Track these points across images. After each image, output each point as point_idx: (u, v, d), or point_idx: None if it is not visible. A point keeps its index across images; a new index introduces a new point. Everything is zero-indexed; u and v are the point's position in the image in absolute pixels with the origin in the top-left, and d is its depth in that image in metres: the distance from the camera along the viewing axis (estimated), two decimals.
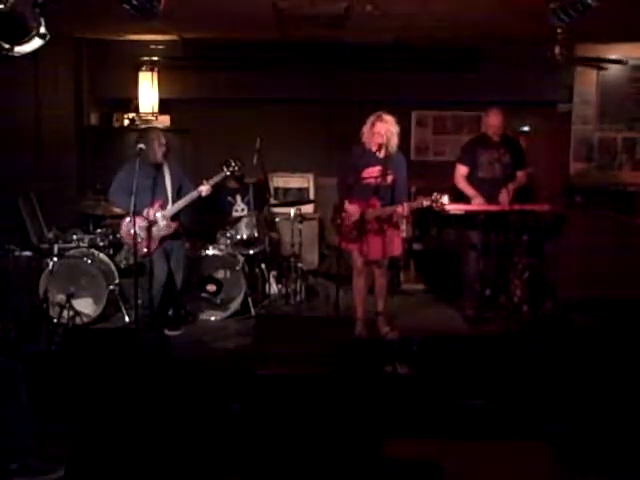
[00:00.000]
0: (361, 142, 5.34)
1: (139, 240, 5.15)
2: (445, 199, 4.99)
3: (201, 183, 5.45)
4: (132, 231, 5.01)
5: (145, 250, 5.27)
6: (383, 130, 5.20)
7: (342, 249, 5.39)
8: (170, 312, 5.79)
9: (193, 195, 5.44)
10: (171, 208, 5.47)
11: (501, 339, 5.27)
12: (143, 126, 7.63)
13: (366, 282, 5.50)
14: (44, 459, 3.31)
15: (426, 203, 5.04)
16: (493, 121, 5.82)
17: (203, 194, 5.43)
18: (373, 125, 5.24)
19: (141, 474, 3.36)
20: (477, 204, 5.76)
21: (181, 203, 5.47)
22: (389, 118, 5.24)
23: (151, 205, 5.41)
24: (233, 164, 5.52)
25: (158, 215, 5.42)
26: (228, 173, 5.55)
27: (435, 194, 5.00)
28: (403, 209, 5.16)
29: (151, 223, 5.32)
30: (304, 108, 7.75)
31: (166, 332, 5.40)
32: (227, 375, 4.50)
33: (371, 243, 5.30)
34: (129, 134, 7.70)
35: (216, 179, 5.52)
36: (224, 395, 4.14)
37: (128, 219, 5.31)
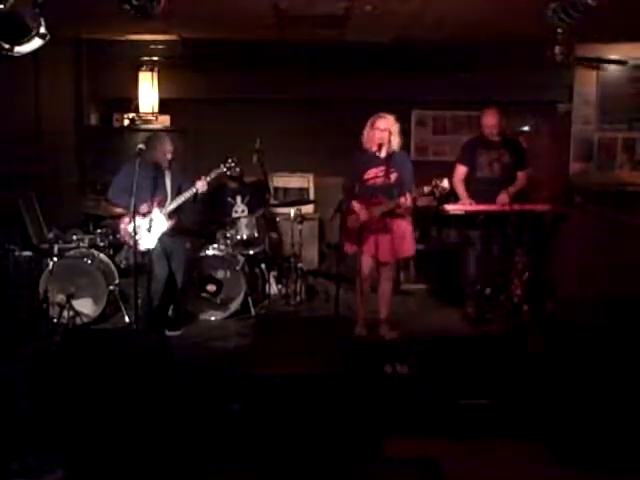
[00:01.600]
0: (362, 146, 5.30)
1: (137, 238, 5.14)
2: (445, 183, 4.96)
3: (198, 179, 5.46)
4: (132, 230, 5.01)
5: (143, 248, 5.26)
6: (383, 126, 5.19)
7: (349, 253, 5.37)
8: (170, 312, 5.79)
9: (191, 191, 5.42)
10: (170, 204, 5.46)
11: (501, 339, 5.28)
12: (143, 126, 7.65)
13: (370, 285, 5.49)
14: (44, 459, 3.31)
15: (427, 189, 5.02)
16: (489, 121, 5.80)
17: (199, 190, 5.42)
18: (373, 124, 5.23)
19: (141, 474, 3.36)
20: (471, 204, 5.76)
21: (179, 199, 5.45)
22: (389, 116, 5.23)
23: (150, 202, 5.41)
24: (230, 161, 5.54)
25: (156, 211, 5.42)
26: (225, 169, 5.56)
27: (434, 180, 4.98)
28: (406, 199, 5.10)
29: (147, 217, 5.32)
30: (304, 108, 7.75)
31: (166, 332, 5.39)
32: (227, 375, 4.50)
33: (380, 244, 5.22)
34: (129, 134, 7.70)
35: (212, 175, 5.50)
36: (224, 395, 4.14)
37: (127, 219, 5.32)
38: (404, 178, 5.26)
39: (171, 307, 5.79)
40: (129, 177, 5.10)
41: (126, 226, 5.40)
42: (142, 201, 5.31)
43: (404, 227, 5.32)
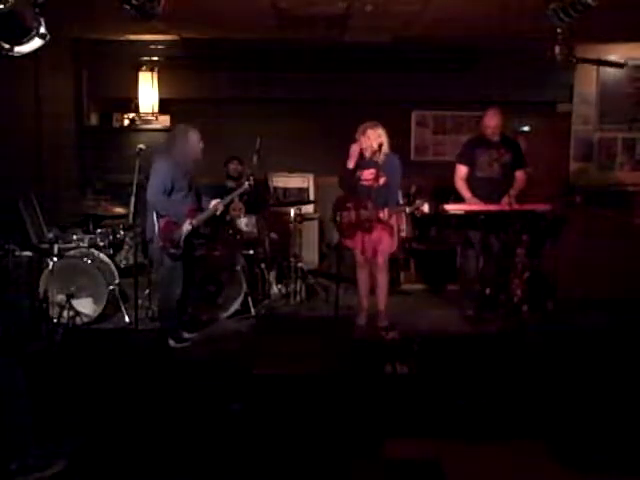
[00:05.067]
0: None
1: (168, 239, 5.02)
2: (425, 207, 5.17)
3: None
4: (175, 234, 5.00)
5: (173, 251, 5.06)
6: (367, 143, 5.36)
7: (343, 245, 5.64)
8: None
9: (209, 212, 5.27)
10: (199, 217, 5.22)
11: (501, 339, 5.28)
12: (144, 126, 7.66)
13: (369, 275, 5.63)
14: (43, 458, 3.31)
15: (409, 210, 5.32)
16: (491, 122, 5.80)
17: (218, 212, 5.34)
18: (360, 137, 5.40)
19: (141, 474, 3.36)
20: (475, 204, 5.76)
21: (203, 217, 5.26)
22: (370, 132, 5.36)
23: (191, 209, 5.17)
24: (251, 180, 5.45)
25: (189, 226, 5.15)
26: (247, 187, 5.45)
27: (418, 202, 5.24)
28: (384, 214, 5.32)
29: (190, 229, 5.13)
30: (304, 108, 7.75)
31: (173, 344, 5.23)
32: (227, 375, 4.50)
33: (365, 242, 5.48)
34: (129, 134, 7.71)
35: (230, 197, 5.48)
36: (224, 395, 4.14)
37: (168, 221, 5.05)
38: (390, 184, 5.43)
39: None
40: (164, 177, 4.96)
41: (166, 227, 5.03)
42: (183, 204, 5.10)
43: (384, 230, 5.46)
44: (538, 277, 5.90)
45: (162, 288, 5.26)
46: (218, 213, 5.35)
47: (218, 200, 5.32)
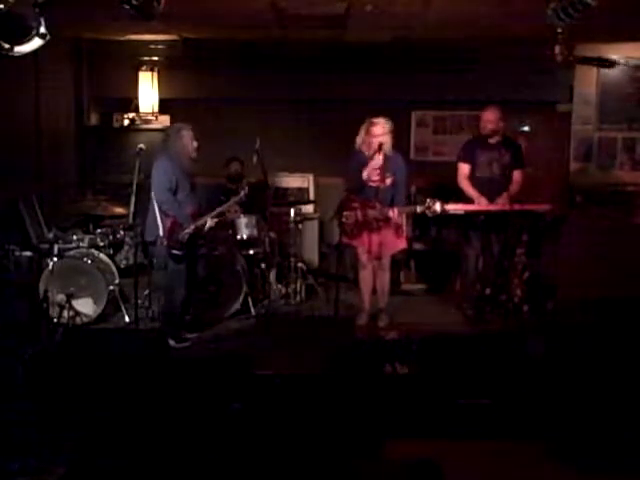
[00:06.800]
0: (357, 149, 5.51)
1: (173, 240, 5.04)
2: (437, 206, 5.16)
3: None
4: (180, 235, 5.01)
5: (177, 252, 5.09)
6: (380, 132, 5.34)
7: (345, 245, 5.66)
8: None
9: (202, 222, 5.28)
10: (200, 221, 5.24)
11: (501, 339, 5.28)
12: (144, 126, 7.66)
13: (372, 275, 5.66)
14: (44, 459, 3.31)
15: (420, 209, 5.25)
16: (490, 116, 5.77)
17: (207, 225, 5.33)
18: (369, 131, 5.39)
19: (142, 474, 3.36)
20: (477, 205, 5.75)
21: (202, 222, 5.26)
22: (382, 121, 5.38)
23: (194, 211, 5.22)
24: (246, 189, 5.53)
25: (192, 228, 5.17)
26: (242, 196, 5.52)
27: (429, 201, 5.19)
28: (394, 213, 5.33)
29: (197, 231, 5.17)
30: (304, 108, 7.74)
31: (174, 344, 5.26)
32: (227, 375, 4.50)
33: (372, 241, 5.45)
34: (129, 134, 7.71)
35: (226, 205, 5.52)
36: (224, 395, 4.14)
37: (174, 222, 5.08)
38: (397, 183, 5.47)
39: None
40: (168, 175, 5.00)
41: (172, 228, 5.05)
42: (187, 209, 5.13)
43: (393, 230, 5.49)
44: (538, 277, 5.90)
45: (166, 291, 5.26)
46: (208, 226, 5.37)
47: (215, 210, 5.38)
